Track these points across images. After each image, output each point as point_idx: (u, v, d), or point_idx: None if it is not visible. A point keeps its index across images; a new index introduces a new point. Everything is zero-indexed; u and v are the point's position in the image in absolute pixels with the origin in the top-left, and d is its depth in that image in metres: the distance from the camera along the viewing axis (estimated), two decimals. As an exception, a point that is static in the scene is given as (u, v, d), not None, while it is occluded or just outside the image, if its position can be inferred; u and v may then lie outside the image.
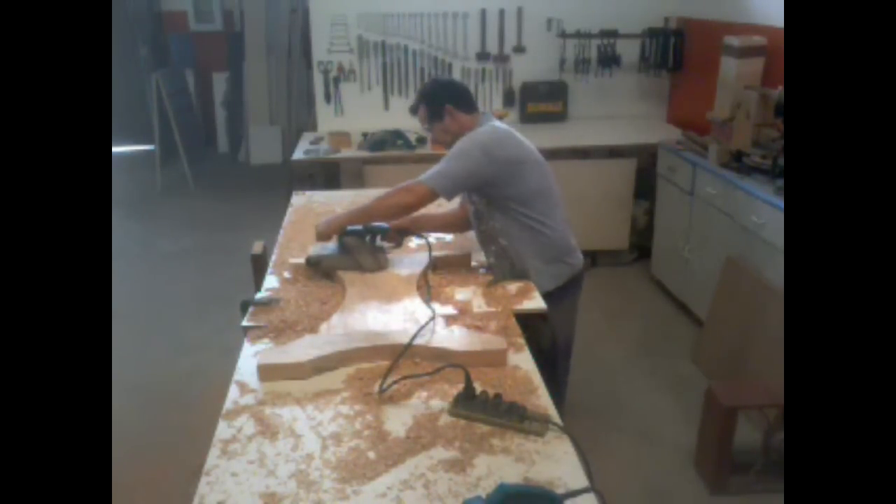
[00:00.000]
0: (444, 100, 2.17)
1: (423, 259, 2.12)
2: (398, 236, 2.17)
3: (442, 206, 2.38)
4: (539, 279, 2.09)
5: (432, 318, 1.72)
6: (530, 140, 2.20)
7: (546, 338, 2.14)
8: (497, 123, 2.14)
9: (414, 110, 2.28)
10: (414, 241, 2.32)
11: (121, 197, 5.60)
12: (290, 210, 2.77)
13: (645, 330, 3.66)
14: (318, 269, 2.07)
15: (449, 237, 2.40)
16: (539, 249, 2.13)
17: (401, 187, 2.08)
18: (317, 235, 2.15)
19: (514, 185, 2.07)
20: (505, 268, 2.10)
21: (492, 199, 2.11)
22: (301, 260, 2.13)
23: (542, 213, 2.11)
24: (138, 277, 4.42)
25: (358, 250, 2.05)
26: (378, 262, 2.06)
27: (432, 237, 2.36)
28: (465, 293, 1.97)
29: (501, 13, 4.54)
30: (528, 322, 2.00)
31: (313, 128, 4.84)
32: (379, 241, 2.09)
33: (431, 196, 2.05)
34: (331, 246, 2.10)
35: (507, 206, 2.10)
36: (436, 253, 2.19)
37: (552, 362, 2.24)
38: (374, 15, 4.47)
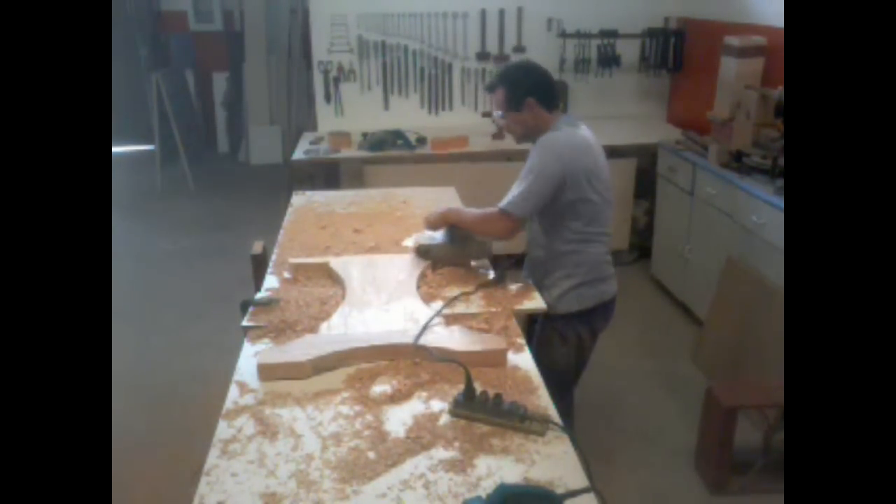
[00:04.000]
0: (528, 90, 2.02)
1: (422, 259, 2.13)
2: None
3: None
4: (564, 297, 2.07)
5: (438, 314, 1.73)
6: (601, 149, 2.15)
7: (563, 359, 2.14)
8: (574, 129, 2.04)
9: (491, 89, 2.12)
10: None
11: (121, 197, 5.60)
12: (290, 210, 2.77)
13: (645, 330, 3.65)
14: (427, 257, 2.12)
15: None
16: (573, 268, 2.07)
17: (487, 217, 2.02)
18: (427, 225, 2.18)
19: (575, 196, 1.98)
20: (533, 279, 2.10)
21: (552, 203, 2.02)
22: (301, 260, 2.14)
23: (589, 231, 2.04)
24: (138, 277, 4.42)
25: (466, 240, 2.13)
26: (483, 250, 2.14)
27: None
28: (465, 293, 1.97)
29: (501, 13, 4.54)
30: (544, 337, 2.01)
31: (313, 128, 4.84)
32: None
33: (517, 226, 2.01)
34: (437, 235, 2.17)
35: (558, 215, 2.03)
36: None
37: (565, 385, 2.22)
38: (374, 15, 4.47)
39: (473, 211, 2.11)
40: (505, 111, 2.09)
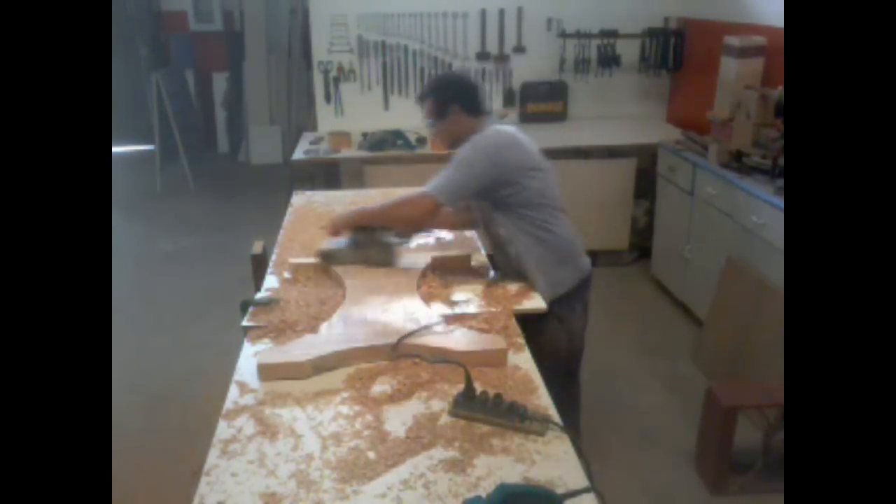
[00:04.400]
0: (451, 99, 2.11)
1: (423, 259, 2.13)
2: (408, 231, 2.20)
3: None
4: (549, 284, 2.08)
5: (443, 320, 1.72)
6: (531, 140, 2.19)
7: (563, 342, 2.15)
8: (501, 127, 2.11)
9: (421, 100, 2.21)
10: (423, 238, 2.35)
11: (121, 197, 5.60)
12: (290, 210, 2.77)
13: (645, 330, 3.65)
14: (329, 262, 2.08)
15: (450, 237, 2.41)
16: (546, 254, 2.10)
17: (406, 199, 2.06)
18: (329, 230, 2.16)
19: (518, 190, 2.04)
20: (513, 277, 2.10)
21: (496, 203, 2.09)
22: (301, 260, 2.14)
23: (546, 218, 2.09)
24: (138, 277, 4.42)
25: (369, 245, 2.08)
26: (389, 258, 2.09)
27: (435, 236, 2.38)
28: (465, 293, 1.97)
29: (501, 13, 4.54)
30: (541, 328, 2.01)
31: (313, 128, 4.84)
32: (387, 237, 2.11)
33: (436, 209, 2.02)
34: (342, 241, 2.13)
35: (512, 211, 2.08)
36: (436, 253, 2.19)
37: (570, 369, 2.24)
38: (374, 15, 4.47)
39: (386, 201, 2.13)
40: (433, 119, 2.17)
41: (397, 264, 2.09)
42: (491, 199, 2.09)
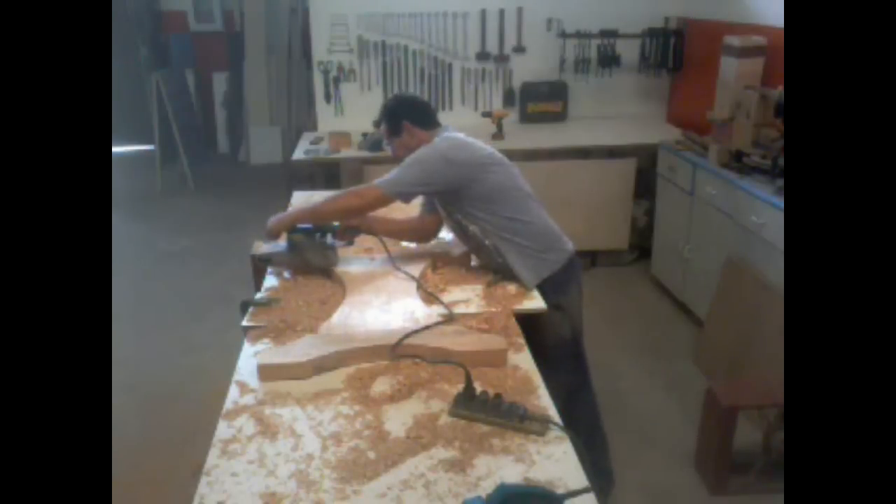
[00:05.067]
0: (402, 116, 2.20)
1: (422, 259, 2.13)
2: (349, 234, 2.18)
3: (404, 212, 2.36)
4: (533, 272, 2.08)
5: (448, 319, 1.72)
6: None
7: (566, 327, 2.16)
8: (452, 134, 2.16)
9: (377, 124, 2.32)
10: (403, 243, 2.33)
11: (121, 197, 5.60)
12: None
13: (645, 330, 3.65)
14: (267, 265, 2.09)
15: (450, 237, 2.40)
16: (524, 244, 2.10)
17: (351, 190, 2.10)
18: (265, 233, 2.15)
19: (478, 186, 2.06)
20: (499, 264, 2.10)
21: (461, 204, 2.09)
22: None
23: (514, 209, 2.10)
24: (138, 277, 4.42)
25: (306, 248, 2.07)
26: (327, 260, 2.08)
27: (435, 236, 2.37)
28: (465, 293, 1.97)
29: (501, 13, 4.54)
30: (543, 321, 2.02)
31: (313, 128, 4.84)
32: (329, 239, 2.11)
33: (382, 200, 2.05)
34: (281, 243, 2.12)
35: (478, 208, 2.09)
36: (436, 253, 2.19)
37: (577, 352, 2.25)
38: (374, 15, 4.47)
39: (330, 194, 2.17)
40: (388, 138, 2.28)
41: (335, 265, 2.08)
42: (456, 202, 2.10)
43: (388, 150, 2.33)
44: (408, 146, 2.18)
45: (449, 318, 1.78)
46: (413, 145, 2.16)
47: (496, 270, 2.12)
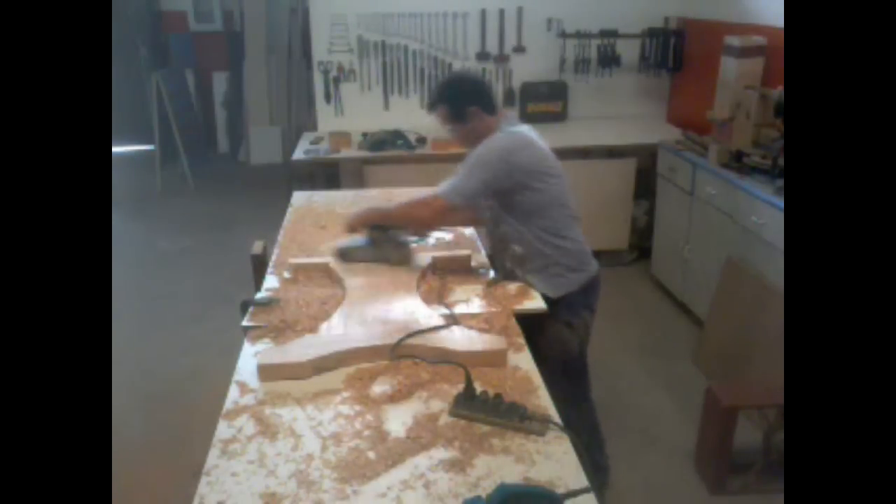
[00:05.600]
0: (469, 101, 2.08)
1: (422, 259, 2.13)
2: (420, 230, 2.24)
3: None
4: (555, 285, 2.08)
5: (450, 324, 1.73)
6: (544, 142, 2.17)
7: (574, 343, 2.16)
8: (516, 128, 2.08)
9: (432, 108, 2.17)
10: (434, 237, 2.38)
11: (121, 197, 5.60)
12: (290, 210, 2.77)
13: (645, 330, 3.65)
14: (346, 260, 2.10)
15: (450, 237, 2.41)
16: (555, 260, 2.08)
17: (420, 200, 2.06)
18: (345, 228, 2.17)
19: (530, 195, 2.02)
20: (517, 276, 2.10)
21: (508, 206, 2.07)
22: (301, 260, 2.14)
23: (555, 226, 2.07)
24: (138, 277, 4.42)
25: (384, 244, 2.10)
26: (403, 256, 2.11)
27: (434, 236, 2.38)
28: (465, 293, 1.97)
29: (501, 13, 4.54)
30: (553, 336, 2.03)
31: (313, 128, 4.84)
32: (403, 236, 2.14)
33: (449, 211, 2.02)
34: (359, 239, 2.15)
35: (520, 216, 2.06)
36: (436, 253, 2.19)
37: (580, 368, 2.26)
38: (374, 15, 4.47)
39: (400, 202, 2.14)
40: (451, 125, 2.14)
41: (413, 262, 2.10)
42: (504, 202, 2.08)
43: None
44: (475, 133, 2.10)
45: (451, 320, 1.77)
46: (481, 132, 2.08)
47: (503, 273, 2.12)
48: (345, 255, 2.11)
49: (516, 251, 2.11)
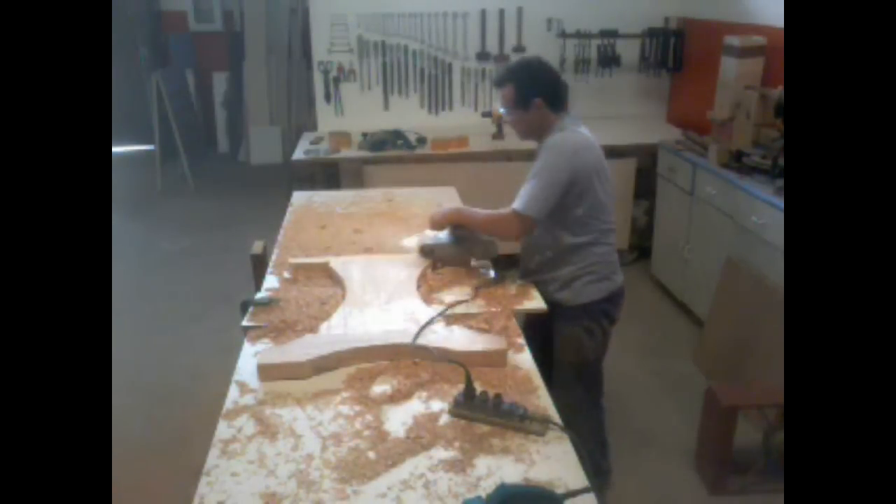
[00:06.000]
0: (538, 91, 2.01)
1: (422, 259, 2.13)
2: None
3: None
4: (577, 293, 2.09)
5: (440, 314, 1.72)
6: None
7: (590, 350, 2.17)
8: (577, 129, 2.05)
9: (500, 84, 2.08)
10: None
11: (121, 197, 5.60)
12: (290, 210, 2.77)
13: (645, 330, 3.65)
14: (430, 256, 2.13)
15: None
16: (587, 264, 2.08)
17: (499, 218, 2.01)
18: (431, 224, 2.18)
19: (587, 199, 2.01)
20: (543, 279, 2.10)
21: (564, 206, 2.02)
22: (302, 260, 2.14)
23: (605, 230, 2.08)
24: (138, 277, 4.42)
25: (470, 240, 2.13)
26: (488, 252, 2.14)
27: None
28: (465, 293, 1.97)
29: (501, 13, 4.54)
30: (571, 340, 2.03)
31: (313, 128, 4.84)
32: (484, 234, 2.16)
33: (525, 223, 1.98)
34: (442, 235, 2.17)
35: (566, 214, 2.03)
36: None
37: (594, 379, 2.27)
38: (374, 15, 4.47)
39: (482, 212, 2.09)
40: (512, 109, 2.07)
41: (495, 256, 2.14)
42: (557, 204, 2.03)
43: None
44: (532, 126, 2.07)
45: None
46: (536, 126, 2.06)
47: (524, 272, 2.12)
48: (430, 251, 2.13)
49: (546, 255, 2.12)
